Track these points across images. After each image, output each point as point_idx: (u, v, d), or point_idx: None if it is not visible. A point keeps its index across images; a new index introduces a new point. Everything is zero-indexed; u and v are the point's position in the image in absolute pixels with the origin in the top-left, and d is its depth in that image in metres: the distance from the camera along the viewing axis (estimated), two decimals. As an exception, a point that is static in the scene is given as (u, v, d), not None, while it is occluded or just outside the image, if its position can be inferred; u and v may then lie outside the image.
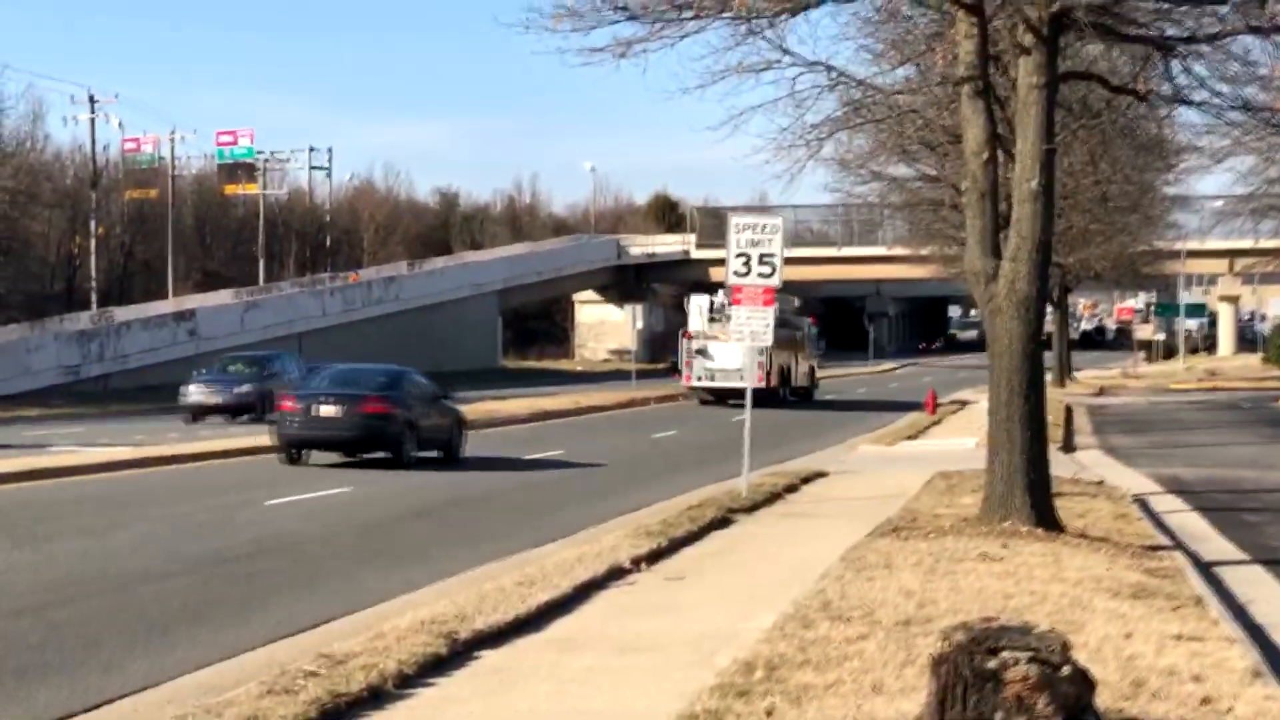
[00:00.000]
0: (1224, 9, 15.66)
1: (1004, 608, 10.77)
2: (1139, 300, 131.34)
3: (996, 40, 16.87)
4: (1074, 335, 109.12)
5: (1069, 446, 33.05)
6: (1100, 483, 22.66)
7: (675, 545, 15.08)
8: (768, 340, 21.00)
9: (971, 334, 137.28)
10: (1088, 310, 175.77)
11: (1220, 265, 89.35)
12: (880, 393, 63.75)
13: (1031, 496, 15.73)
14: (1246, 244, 67.11)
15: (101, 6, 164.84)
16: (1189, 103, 18.42)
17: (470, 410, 32.79)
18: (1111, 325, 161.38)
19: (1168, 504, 21.34)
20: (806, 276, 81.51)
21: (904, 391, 61.85)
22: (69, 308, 69.77)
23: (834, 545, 14.82)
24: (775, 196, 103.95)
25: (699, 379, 49.62)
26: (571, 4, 15.57)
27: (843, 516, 18.11)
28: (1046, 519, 15.77)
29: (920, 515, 17.28)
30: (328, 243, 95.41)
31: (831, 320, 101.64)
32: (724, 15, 15.91)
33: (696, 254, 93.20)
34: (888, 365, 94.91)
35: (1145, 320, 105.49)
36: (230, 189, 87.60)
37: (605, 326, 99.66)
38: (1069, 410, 44.98)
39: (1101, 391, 65.51)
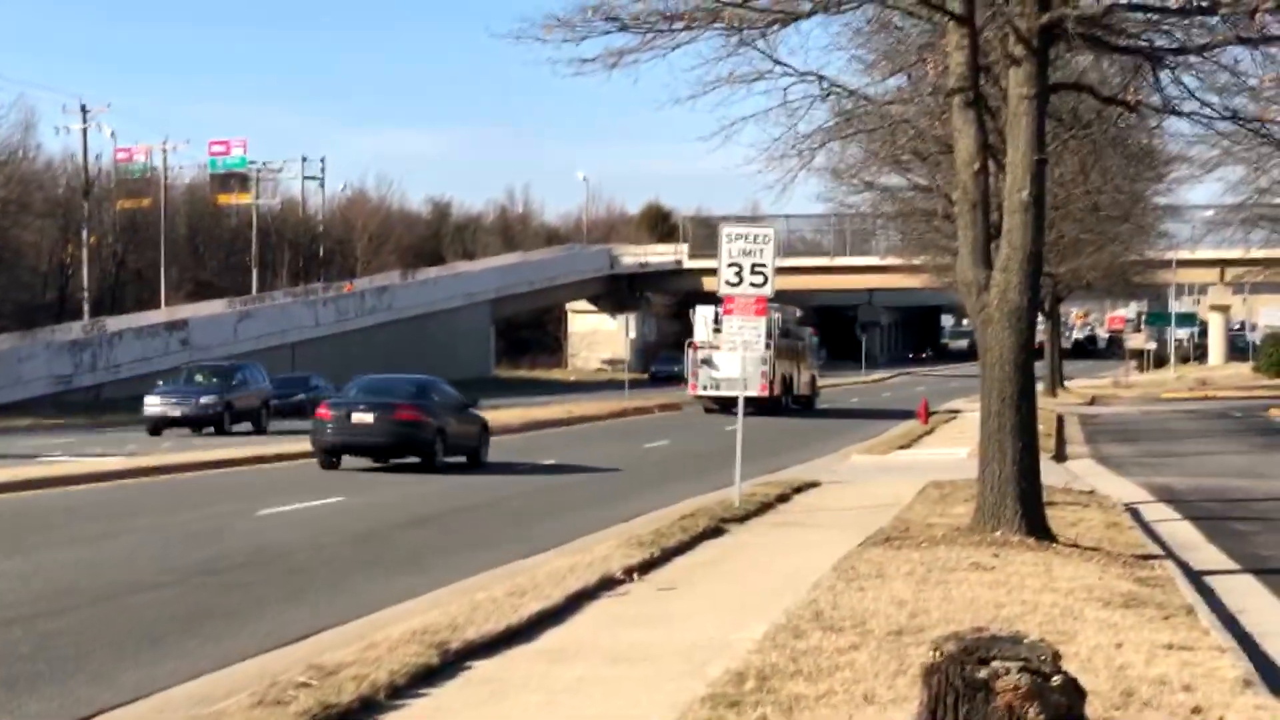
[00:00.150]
0: (1213, 20, 15.70)
1: (995, 617, 10.78)
2: (1130, 310, 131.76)
3: (987, 51, 16.91)
4: (1066, 344, 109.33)
5: (1061, 456, 33.10)
6: (1092, 492, 22.70)
7: (667, 555, 15.07)
8: (760, 350, 20.96)
9: (962, 343, 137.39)
10: (1079, 320, 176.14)
11: (1211, 275, 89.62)
12: (873, 402, 63.88)
13: (1023, 506, 15.73)
14: (1237, 253, 67.28)
15: (94, 16, 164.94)
16: (1179, 113, 18.46)
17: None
18: (1103, 334, 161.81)
19: (1159, 513, 21.36)
20: (799, 286, 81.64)
21: (897, 401, 61.96)
22: (61, 317, 69.58)
23: (826, 555, 14.82)
24: (768, 206, 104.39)
25: (704, 388, 50.26)
26: (562, 15, 15.64)
27: (835, 526, 18.11)
28: (1038, 528, 15.78)
29: (912, 525, 17.28)
30: (321, 253, 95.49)
31: (824, 330, 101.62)
32: (715, 26, 15.96)
33: (689, 264, 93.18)
34: (880, 375, 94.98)
35: (1136, 329, 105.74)
36: (223, 199, 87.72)
37: (598, 336, 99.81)
38: (1060, 420, 45.07)
39: (1093, 401, 65.62)
